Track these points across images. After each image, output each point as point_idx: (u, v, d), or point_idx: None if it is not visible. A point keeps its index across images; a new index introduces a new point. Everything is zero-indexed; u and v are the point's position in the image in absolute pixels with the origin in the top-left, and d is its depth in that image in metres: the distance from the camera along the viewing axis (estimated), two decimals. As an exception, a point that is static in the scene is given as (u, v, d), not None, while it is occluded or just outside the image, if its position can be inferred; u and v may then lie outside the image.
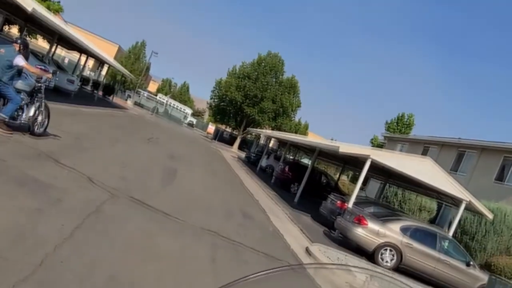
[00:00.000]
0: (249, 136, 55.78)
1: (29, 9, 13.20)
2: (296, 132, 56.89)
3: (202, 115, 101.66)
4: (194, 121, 74.36)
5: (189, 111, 73.72)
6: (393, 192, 23.95)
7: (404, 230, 12.31)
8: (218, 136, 54.43)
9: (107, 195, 7.00)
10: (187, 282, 4.89)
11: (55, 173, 7.02)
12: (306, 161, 42.71)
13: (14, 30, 35.05)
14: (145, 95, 64.55)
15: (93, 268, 4.20)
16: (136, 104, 58.11)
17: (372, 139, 54.21)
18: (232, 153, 39.71)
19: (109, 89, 42.40)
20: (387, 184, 23.37)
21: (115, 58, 58.10)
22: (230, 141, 53.99)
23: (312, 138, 43.51)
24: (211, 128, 65.66)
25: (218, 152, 33.48)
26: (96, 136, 13.72)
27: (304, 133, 66.45)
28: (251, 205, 13.62)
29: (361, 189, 26.80)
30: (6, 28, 33.57)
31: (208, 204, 10.47)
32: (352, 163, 23.65)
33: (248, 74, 49.89)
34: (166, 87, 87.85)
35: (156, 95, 70.02)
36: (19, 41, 8.60)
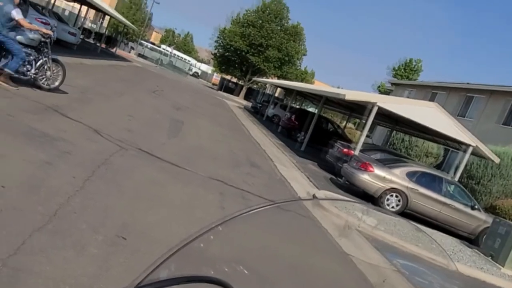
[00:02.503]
0: (254, 85, 55.35)
1: (25, -42, 12.79)
2: (302, 81, 56.33)
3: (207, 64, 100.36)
4: (199, 71, 73.65)
5: (193, 61, 72.83)
6: (399, 138, 23.98)
7: (410, 175, 12.44)
8: (224, 86, 54.02)
9: (115, 147, 7.09)
10: (198, 228, 5.03)
11: (62, 126, 7.09)
12: (312, 109, 42.60)
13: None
14: (148, 46, 63.61)
15: (106, 217, 4.33)
16: (140, 55, 57.46)
17: (379, 86, 53.61)
18: (237, 103, 39.59)
19: (111, 41, 41.80)
20: (394, 131, 23.37)
21: (116, 8, 56.81)
22: (235, 91, 53.63)
23: (318, 86, 43.13)
24: (216, 78, 65.09)
25: (224, 102, 33.38)
26: (101, 89, 13.70)
27: (310, 81, 65.81)
28: (258, 154, 13.75)
29: (368, 136, 26.87)
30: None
31: (215, 154, 10.59)
32: (359, 110, 23.55)
33: (252, 22, 48.81)
34: (169, 38, 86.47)
35: (159, 46, 69.02)
36: (18, -6, 8.42)
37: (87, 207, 4.40)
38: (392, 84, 41.55)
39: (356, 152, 13.79)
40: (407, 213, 12.24)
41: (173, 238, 4.50)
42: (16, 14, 8.03)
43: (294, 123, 23.50)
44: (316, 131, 20.44)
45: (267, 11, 49.63)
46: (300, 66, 54.41)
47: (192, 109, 18.99)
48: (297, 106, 38.68)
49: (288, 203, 1.18)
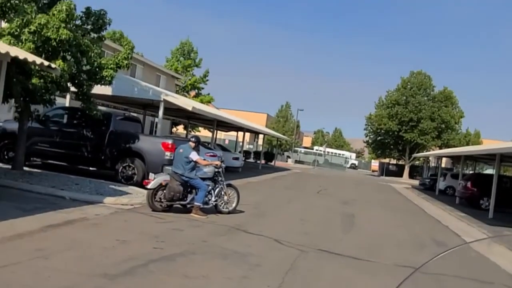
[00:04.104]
0: (417, 162, 52.87)
1: (190, 108, 15.26)
2: (467, 144, 52.09)
3: (362, 154, 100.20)
4: (356, 162, 73.66)
5: (348, 154, 73.54)
6: None
7: None
8: (384, 170, 52.68)
9: (296, 252, 7.41)
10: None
11: (247, 242, 7.75)
12: (489, 171, 38.58)
13: (179, 128, 40.26)
14: (302, 151, 66.76)
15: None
16: (297, 161, 60.24)
17: None
18: (403, 184, 37.94)
19: (269, 155, 45.05)
20: None
21: (266, 125, 61.94)
22: (398, 172, 51.77)
23: (488, 145, 39.32)
24: (375, 164, 64.10)
25: (389, 186, 32.36)
26: (270, 201, 14.66)
27: (477, 142, 60.29)
28: (441, 231, 12.76)
29: None
30: (173, 129, 38.82)
31: (394, 240, 10.17)
32: (546, 158, 20.61)
33: (396, 101, 48.35)
34: (319, 138, 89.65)
35: (312, 148, 71.81)
36: (193, 138, 9.99)
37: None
38: None
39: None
40: None
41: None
42: (194, 156, 9.47)
43: (473, 190, 21.42)
44: (501, 193, 18.28)
45: (409, 86, 48.93)
46: (460, 129, 50.89)
47: (359, 200, 18.85)
48: (471, 171, 35.48)
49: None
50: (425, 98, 48.29)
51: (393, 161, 57.47)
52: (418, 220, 15.03)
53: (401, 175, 50.29)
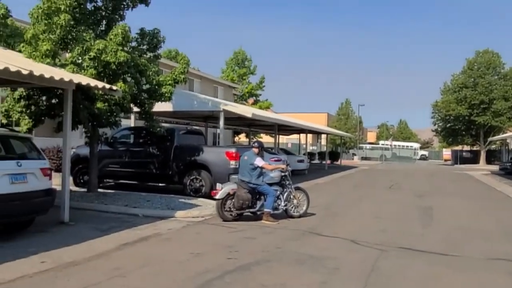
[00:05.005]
0: (493, 146, 49.68)
1: (249, 115, 15.23)
2: (550, 120, 48.16)
3: (431, 144, 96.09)
4: (426, 153, 70.65)
5: (416, 145, 70.71)
6: None
7: None
8: (458, 158, 49.91)
9: (376, 252, 7.01)
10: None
11: (323, 245, 7.46)
12: None
13: (241, 137, 40.54)
14: (368, 147, 65.00)
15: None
16: (363, 158, 58.65)
17: None
18: (481, 171, 35.67)
19: (334, 155, 44.22)
20: None
21: (328, 124, 60.95)
22: (473, 159, 48.88)
23: None
24: (447, 153, 61.00)
25: (466, 175, 30.54)
26: (340, 201, 14.21)
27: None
28: (533, 218, 11.69)
29: None
30: (236, 138, 39.20)
31: (480, 231, 9.40)
32: None
33: (464, 84, 45.80)
34: (384, 132, 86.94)
35: (378, 143, 69.73)
36: (256, 144, 9.88)
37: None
38: None
39: None
40: None
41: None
42: (259, 162, 9.33)
43: None
44: None
45: (476, 67, 46.23)
46: (539, 105, 47.23)
47: (435, 192, 17.86)
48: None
49: None
50: (496, 77, 45.33)
51: (467, 148, 54.35)
52: (504, 207, 13.91)
53: (477, 162, 47.39)
